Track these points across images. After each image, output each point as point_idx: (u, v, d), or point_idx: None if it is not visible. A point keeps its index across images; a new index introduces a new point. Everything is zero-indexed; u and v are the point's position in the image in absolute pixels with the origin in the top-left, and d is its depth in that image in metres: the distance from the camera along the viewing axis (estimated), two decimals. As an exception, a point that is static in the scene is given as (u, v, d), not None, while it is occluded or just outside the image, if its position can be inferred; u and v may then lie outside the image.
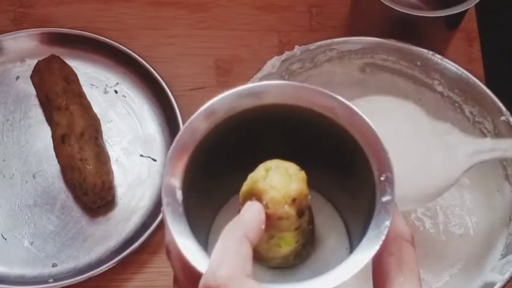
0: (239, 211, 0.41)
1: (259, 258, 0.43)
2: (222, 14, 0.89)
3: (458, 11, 0.73)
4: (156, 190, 0.78)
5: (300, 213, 0.41)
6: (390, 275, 0.40)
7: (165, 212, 0.40)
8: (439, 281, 0.71)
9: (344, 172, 0.45)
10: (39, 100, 0.81)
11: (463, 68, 0.73)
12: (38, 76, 0.80)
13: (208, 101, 0.42)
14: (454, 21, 0.79)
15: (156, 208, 0.76)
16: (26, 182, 0.78)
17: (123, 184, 0.78)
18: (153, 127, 0.81)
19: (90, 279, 0.72)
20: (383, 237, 0.39)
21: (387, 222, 0.39)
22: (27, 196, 0.77)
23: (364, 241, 0.39)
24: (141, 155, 0.80)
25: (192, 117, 0.42)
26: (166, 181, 0.40)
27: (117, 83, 0.84)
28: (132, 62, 0.83)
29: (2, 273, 0.73)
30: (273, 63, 0.71)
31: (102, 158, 0.76)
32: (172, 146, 0.41)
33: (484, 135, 0.73)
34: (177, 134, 0.79)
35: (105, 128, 0.80)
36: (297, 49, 0.73)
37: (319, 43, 0.74)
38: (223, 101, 0.43)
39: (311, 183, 0.41)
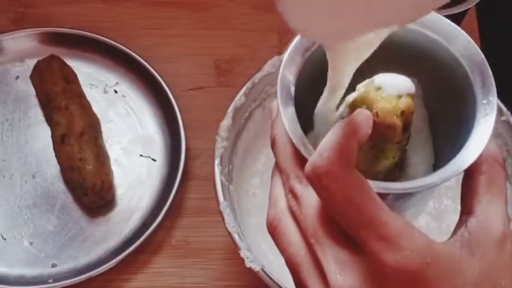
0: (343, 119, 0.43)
1: None
2: (222, 14, 0.89)
3: (459, 11, 0.73)
4: (155, 190, 0.78)
5: (405, 127, 0.43)
6: (479, 192, 0.42)
7: (279, 103, 0.43)
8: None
9: (448, 94, 0.47)
10: (39, 100, 0.81)
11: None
12: (38, 76, 0.80)
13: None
14: (454, 21, 0.78)
15: (156, 208, 0.76)
16: (26, 182, 0.78)
17: (122, 184, 0.78)
18: (153, 127, 0.81)
19: (89, 279, 0.72)
20: (479, 153, 0.41)
21: (485, 139, 0.42)
22: (26, 196, 0.77)
23: (460, 156, 0.42)
24: (141, 155, 0.80)
25: None
26: (283, 74, 0.44)
27: (117, 83, 0.84)
28: (131, 62, 0.83)
29: (1, 273, 0.73)
30: (273, 63, 0.71)
31: (101, 158, 0.76)
32: (294, 42, 0.44)
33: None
34: (176, 133, 0.79)
35: (104, 128, 0.80)
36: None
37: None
38: None
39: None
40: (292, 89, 0.44)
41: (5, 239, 0.75)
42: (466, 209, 0.43)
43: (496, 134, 0.72)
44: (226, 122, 0.68)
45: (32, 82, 0.80)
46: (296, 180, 0.43)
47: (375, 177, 0.45)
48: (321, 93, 0.46)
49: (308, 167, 0.39)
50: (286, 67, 0.44)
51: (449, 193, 0.74)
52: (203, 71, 0.85)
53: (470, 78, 0.45)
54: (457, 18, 0.78)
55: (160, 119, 0.82)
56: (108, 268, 0.72)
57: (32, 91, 0.81)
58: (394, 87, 0.43)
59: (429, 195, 0.51)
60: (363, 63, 0.44)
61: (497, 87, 0.71)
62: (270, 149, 0.47)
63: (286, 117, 0.43)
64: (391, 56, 0.47)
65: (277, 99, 0.44)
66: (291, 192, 0.43)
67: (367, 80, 0.44)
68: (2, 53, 0.84)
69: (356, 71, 0.44)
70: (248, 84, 0.70)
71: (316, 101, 0.47)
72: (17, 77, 0.84)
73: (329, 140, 0.40)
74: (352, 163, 0.39)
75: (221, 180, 0.66)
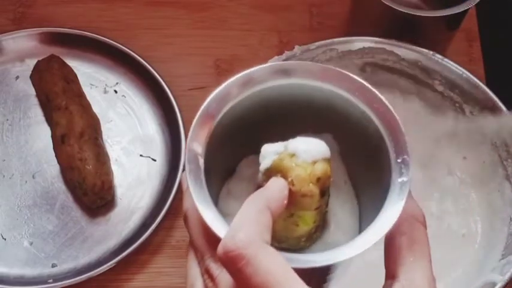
0: (258, 187, 0.42)
1: (271, 237, 0.44)
2: (222, 14, 0.89)
3: (459, 11, 0.73)
4: (155, 190, 0.78)
5: (322, 193, 0.42)
6: (401, 253, 0.41)
7: (187, 179, 0.41)
8: (440, 282, 0.71)
9: (363, 152, 0.46)
10: (39, 100, 0.81)
11: (464, 68, 0.73)
12: (38, 76, 0.79)
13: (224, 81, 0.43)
14: (454, 21, 0.78)
15: (156, 208, 0.76)
16: (26, 182, 0.78)
17: (122, 184, 0.78)
18: (153, 127, 0.81)
19: (89, 279, 0.72)
20: (397, 216, 0.40)
21: (402, 202, 0.40)
22: (26, 196, 0.77)
23: (379, 219, 0.40)
24: (141, 155, 0.80)
25: (222, 86, 0.44)
26: (190, 147, 0.42)
27: (117, 83, 0.84)
28: (131, 62, 0.83)
29: (1, 273, 0.73)
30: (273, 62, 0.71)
31: (101, 158, 0.76)
32: (199, 113, 0.43)
33: (484, 136, 0.73)
34: (176, 133, 0.79)
35: (104, 128, 0.80)
36: (297, 49, 0.73)
37: (319, 43, 0.74)
38: (254, 74, 0.44)
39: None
40: (201, 161, 0.42)
41: (5, 239, 0.75)
42: (390, 272, 0.42)
43: (496, 134, 0.72)
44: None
45: (32, 82, 0.80)
46: (211, 259, 0.41)
47: (297, 242, 0.44)
48: (230, 157, 0.46)
49: (220, 249, 0.37)
50: (193, 140, 0.43)
51: (449, 197, 0.74)
52: (203, 71, 0.85)
53: (382, 135, 0.43)
54: (456, 19, 0.78)
55: (160, 119, 0.81)
56: (108, 268, 0.72)
57: (32, 91, 0.81)
58: (308, 153, 0.41)
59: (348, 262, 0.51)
60: (281, 121, 0.45)
61: (497, 87, 0.72)
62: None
63: (196, 192, 0.41)
64: (306, 113, 0.46)
65: (184, 178, 0.42)
66: (207, 273, 0.41)
67: (278, 144, 0.43)
68: (2, 53, 0.84)
69: (273, 132, 0.44)
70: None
71: (226, 165, 0.46)
72: (17, 77, 0.84)
73: (241, 217, 0.38)
74: (266, 240, 0.38)
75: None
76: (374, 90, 0.44)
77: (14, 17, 0.88)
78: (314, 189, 0.41)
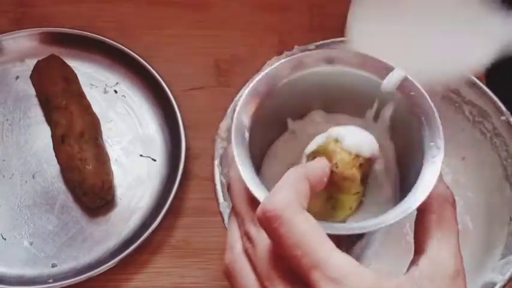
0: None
1: None
2: (222, 14, 0.89)
3: (459, 11, 0.73)
4: (155, 190, 0.78)
5: (363, 179, 0.45)
6: (430, 231, 0.43)
7: (234, 149, 0.44)
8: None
9: (401, 138, 0.49)
10: (39, 100, 0.81)
11: (463, 68, 0.73)
12: (38, 76, 0.80)
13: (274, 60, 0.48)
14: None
15: (156, 208, 0.76)
16: (26, 182, 0.78)
17: (122, 184, 0.78)
18: (153, 127, 0.81)
19: (89, 279, 0.72)
20: (428, 193, 0.43)
21: (433, 181, 0.43)
22: (26, 196, 0.77)
23: (411, 195, 0.43)
24: (141, 155, 0.80)
25: (273, 67, 0.47)
26: (238, 120, 0.45)
27: (117, 83, 0.84)
28: (131, 61, 0.83)
29: (1, 273, 0.73)
30: (272, 63, 0.71)
31: (101, 158, 0.76)
32: (249, 89, 0.46)
33: (484, 135, 0.73)
34: (176, 133, 0.80)
35: (104, 128, 0.80)
36: (297, 49, 0.73)
37: (319, 43, 0.74)
38: (304, 59, 0.48)
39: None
40: (247, 134, 0.45)
41: (4, 239, 0.75)
42: (418, 248, 0.44)
43: (496, 134, 0.72)
44: (226, 122, 0.68)
45: (32, 82, 0.80)
46: (251, 223, 0.43)
47: None
48: (269, 134, 0.49)
49: (259, 210, 0.40)
50: (241, 113, 0.46)
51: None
52: (203, 71, 0.85)
53: (418, 120, 0.46)
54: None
55: (160, 119, 0.81)
56: (108, 268, 0.72)
57: (32, 91, 0.81)
58: (353, 141, 0.44)
59: (385, 235, 0.53)
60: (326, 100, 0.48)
61: (497, 87, 0.72)
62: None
63: (241, 162, 0.44)
64: (348, 98, 0.49)
65: (231, 144, 0.45)
66: (246, 235, 0.43)
67: (325, 133, 0.45)
68: (2, 53, 0.84)
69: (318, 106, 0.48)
70: (246, 86, 0.70)
71: (265, 141, 0.49)
72: (17, 77, 0.84)
73: (281, 182, 0.41)
74: (302, 205, 0.40)
75: (221, 181, 0.66)
76: (411, 79, 0.47)
77: (14, 16, 0.88)
78: (356, 174, 0.44)
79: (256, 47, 0.86)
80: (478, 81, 0.72)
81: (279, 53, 0.73)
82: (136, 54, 0.83)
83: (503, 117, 0.70)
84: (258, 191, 0.43)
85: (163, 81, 0.82)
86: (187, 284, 0.74)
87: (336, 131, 0.45)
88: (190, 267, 0.75)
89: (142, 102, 0.83)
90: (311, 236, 0.39)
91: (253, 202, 0.43)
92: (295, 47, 0.73)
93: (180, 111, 0.80)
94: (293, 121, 0.50)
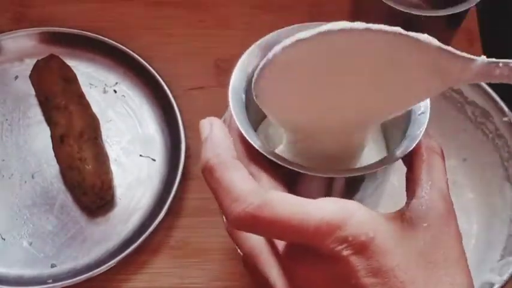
0: None
1: None
2: (222, 14, 0.89)
3: (459, 11, 0.73)
4: (155, 190, 0.78)
5: None
6: (421, 177, 0.44)
7: (232, 111, 0.45)
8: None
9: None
10: (38, 100, 0.81)
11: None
12: (37, 76, 0.79)
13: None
14: (455, 21, 0.78)
15: (156, 208, 0.76)
16: (25, 182, 0.77)
17: (122, 184, 0.78)
18: (153, 127, 0.81)
19: (89, 279, 0.71)
20: (418, 139, 0.45)
21: (421, 129, 0.45)
22: (26, 196, 0.77)
23: (401, 145, 0.45)
24: (141, 155, 0.80)
25: (272, 33, 0.49)
26: (234, 84, 0.47)
27: (117, 83, 0.84)
28: (131, 61, 0.83)
29: (0, 273, 0.73)
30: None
31: (101, 158, 0.75)
32: (245, 53, 0.49)
33: (486, 136, 0.73)
34: (176, 133, 0.79)
35: (104, 127, 0.80)
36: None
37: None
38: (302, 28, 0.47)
39: None
40: (243, 97, 0.46)
41: (4, 239, 0.75)
42: (409, 194, 0.45)
43: (498, 135, 0.72)
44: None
45: (31, 82, 0.80)
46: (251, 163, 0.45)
47: None
48: None
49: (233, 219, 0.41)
50: (237, 74, 0.48)
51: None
52: (203, 70, 0.85)
53: None
54: (457, 18, 0.78)
55: (160, 118, 0.81)
56: (107, 268, 0.72)
57: (31, 91, 0.81)
58: None
59: (382, 183, 0.53)
60: None
61: (499, 88, 0.72)
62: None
63: (239, 121, 0.45)
64: None
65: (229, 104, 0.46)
66: None
67: None
68: (1, 52, 0.84)
69: None
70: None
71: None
72: (16, 77, 0.83)
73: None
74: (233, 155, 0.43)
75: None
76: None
77: (13, 16, 0.88)
78: None
79: (257, 47, 0.86)
80: (481, 82, 0.72)
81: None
82: (136, 54, 0.83)
83: (505, 118, 0.70)
84: (253, 139, 0.44)
85: (163, 81, 0.82)
86: (186, 284, 0.74)
87: None
88: (189, 268, 0.75)
89: (142, 102, 0.83)
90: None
91: (252, 154, 0.44)
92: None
93: (179, 111, 0.80)
94: None
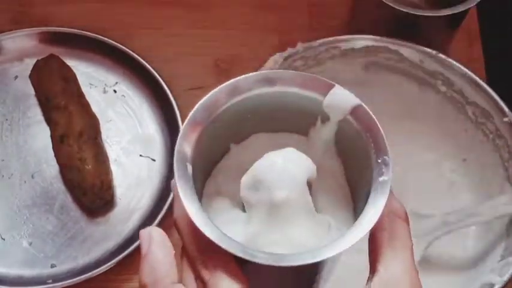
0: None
1: None
2: (221, 14, 0.89)
3: (460, 11, 0.73)
4: (155, 190, 0.78)
5: None
6: (382, 248, 0.42)
7: (177, 184, 0.41)
8: (438, 282, 0.71)
9: (348, 155, 0.48)
10: (38, 100, 0.81)
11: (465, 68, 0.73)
12: (37, 76, 0.79)
13: (216, 86, 0.45)
14: (455, 21, 0.78)
15: (156, 208, 0.76)
16: (25, 182, 0.77)
17: (122, 184, 0.78)
18: (153, 127, 0.81)
19: (89, 280, 0.71)
20: (379, 214, 0.41)
21: (383, 200, 0.41)
22: (25, 196, 0.77)
23: (362, 218, 0.41)
24: (141, 155, 0.80)
25: (208, 95, 0.45)
26: (178, 155, 0.43)
27: (116, 83, 0.83)
28: (131, 61, 0.83)
29: (0, 273, 0.73)
30: (276, 59, 0.71)
31: (101, 158, 0.75)
32: (186, 121, 0.44)
33: (487, 136, 0.73)
34: (176, 133, 0.79)
35: (104, 127, 0.80)
36: (300, 46, 0.73)
37: (322, 40, 0.74)
38: (241, 83, 0.45)
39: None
40: (190, 168, 0.43)
41: (3, 239, 0.75)
42: (372, 267, 0.43)
43: (498, 135, 0.72)
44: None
45: (31, 82, 0.80)
46: (201, 266, 0.41)
47: None
48: (214, 155, 0.47)
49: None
50: (181, 147, 0.43)
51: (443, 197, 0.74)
52: (203, 70, 0.85)
53: (362, 137, 0.45)
54: (457, 18, 0.78)
55: (159, 118, 0.81)
56: (107, 268, 0.72)
57: (31, 91, 0.81)
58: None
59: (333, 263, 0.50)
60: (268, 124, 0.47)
61: (499, 88, 0.72)
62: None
63: (185, 197, 0.41)
64: (291, 117, 0.48)
65: (174, 177, 0.43)
66: (199, 278, 0.42)
67: (264, 156, 0.44)
68: (1, 52, 0.84)
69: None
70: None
71: (209, 162, 0.47)
72: (16, 77, 0.83)
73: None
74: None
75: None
76: (350, 93, 0.45)
77: (13, 16, 0.87)
78: None
79: (256, 47, 0.86)
80: (481, 82, 0.72)
81: (280, 52, 0.73)
82: (136, 53, 0.83)
83: (505, 119, 0.70)
84: (206, 228, 0.40)
85: (163, 81, 0.82)
86: (187, 285, 0.74)
87: (272, 155, 0.43)
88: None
89: (141, 102, 0.83)
90: None
91: (203, 241, 0.40)
92: (298, 43, 0.73)
93: (179, 111, 0.80)
94: (236, 145, 0.48)
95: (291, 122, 0.47)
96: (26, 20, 0.87)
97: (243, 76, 0.45)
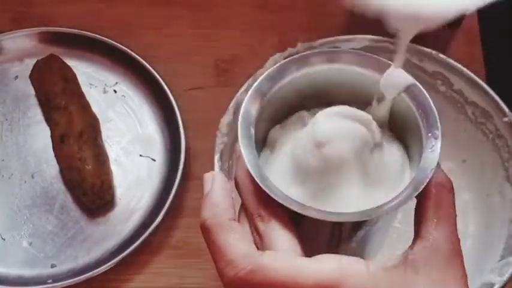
0: None
1: None
2: (221, 14, 0.89)
3: (460, 11, 0.73)
4: (155, 190, 0.78)
5: None
6: (426, 216, 0.44)
7: (240, 145, 0.45)
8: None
9: (400, 130, 0.51)
10: (38, 100, 0.81)
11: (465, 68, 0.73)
12: (37, 76, 0.79)
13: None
14: (455, 21, 0.78)
15: (156, 208, 0.76)
16: (25, 182, 0.77)
17: (122, 184, 0.78)
18: (153, 127, 0.81)
19: (89, 280, 0.71)
20: (426, 182, 0.44)
21: (431, 169, 0.44)
22: (26, 196, 0.77)
23: (411, 184, 0.44)
24: (141, 155, 0.80)
25: (277, 65, 0.49)
26: (244, 117, 0.46)
27: (116, 83, 0.83)
28: (131, 61, 0.83)
29: (0, 273, 0.73)
30: (276, 59, 0.71)
31: (101, 158, 0.75)
32: (253, 87, 0.48)
33: (487, 136, 0.73)
34: (176, 133, 0.79)
35: (104, 127, 0.80)
36: (300, 46, 0.73)
37: (322, 40, 0.74)
38: (304, 58, 0.49)
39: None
40: (252, 131, 0.46)
41: (4, 239, 0.75)
42: (416, 233, 0.45)
43: (498, 135, 0.71)
44: (227, 118, 0.68)
45: (31, 82, 0.80)
46: (258, 219, 0.44)
47: None
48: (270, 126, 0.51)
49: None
50: (248, 107, 0.47)
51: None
52: (203, 70, 0.85)
53: (415, 112, 0.48)
54: (457, 18, 0.78)
55: (160, 118, 0.81)
56: (107, 268, 0.72)
57: (31, 91, 0.81)
58: None
59: (387, 225, 0.54)
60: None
61: (499, 88, 0.72)
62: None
63: (248, 157, 0.45)
64: (348, 94, 0.50)
65: (238, 139, 0.46)
66: (256, 231, 0.45)
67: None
68: (1, 52, 0.84)
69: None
70: (250, 81, 0.70)
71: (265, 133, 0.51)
72: (16, 77, 0.83)
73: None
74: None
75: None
76: (406, 73, 0.48)
77: (13, 16, 0.87)
78: None
79: (256, 46, 0.86)
80: (481, 82, 0.72)
81: (281, 51, 0.73)
82: (136, 53, 0.83)
83: (505, 119, 0.70)
84: (264, 183, 0.44)
85: (163, 81, 0.81)
86: (187, 285, 0.74)
87: None
88: (190, 268, 0.74)
89: (141, 102, 0.83)
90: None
91: (261, 196, 0.44)
92: (298, 44, 0.73)
93: (179, 111, 0.80)
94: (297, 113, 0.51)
95: (348, 99, 0.49)
96: (26, 20, 0.87)
97: (307, 52, 0.49)
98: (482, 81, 0.72)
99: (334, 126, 0.46)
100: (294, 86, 0.49)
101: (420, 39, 0.74)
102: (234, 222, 0.44)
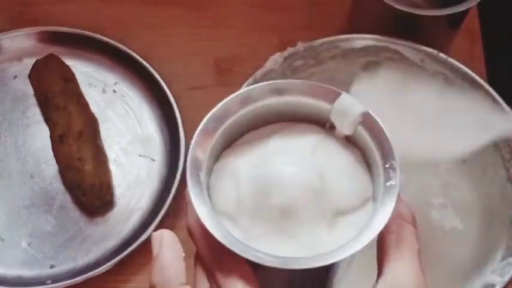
0: None
1: None
2: (221, 13, 0.89)
3: (460, 10, 0.73)
4: (155, 190, 0.77)
5: None
6: (389, 251, 0.43)
7: (190, 192, 0.43)
8: (438, 282, 0.70)
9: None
10: (37, 99, 0.81)
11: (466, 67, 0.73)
12: (36, 75, 0.79)
13: (225, 97, 0.46)
14: (456, 20, 0.78)
15: (155, 208, 0.76)
16: (24, 182, 0.77)
17: (121, 184, 0.78)
18: (152, 127, 0.81)
19: (88, 280, 0.71)
20: (387, 218, 0.42)
21: (391, 205, 0.42)
22: (24, 196, 0.76)
23: (372, 222, 0.42)
24: (140, 155, 0.80)
25: (220, 104, 0.46)
26: (192, 162, 0.44)
27: (116, 83, 0.83)
28: (131, 61, 0.83)
29: (-1, 274, 0.73)
30: (276, 59, 0.71)
31: (100, 158, 0.75)
32: (199, 129, 0.45)
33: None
34: (176, 133, 0.79)
35: (103, 127, 0.80)
36: (300, 45, 0.73)
37: (322, 40, 0.74)
38: (251, 92, 0.47)
39: None
40: (203, 176, 0.44)
41: (3, 240, 0.74)
42: (379, 271, 0.43)
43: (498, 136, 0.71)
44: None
45: (30, 81, 0.80)
46: (221, 275, 0.42)
47: None
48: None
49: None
50: (195, 152, 0.44)
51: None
52: (203, 70, 0.85)
53: (369, 143, 0.45)
54: (458, 18, 0.78)
55: (159, 118, 0.81)
56: (106, 269, 0.72)
57: (30, 90, 0.81)
58: None
59: (349, 262, 0.51)
60: None
61: (500, 87, 0.72)
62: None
63: (198, 204, 0.43)
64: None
65: (187, 186, 0.44)
66: (215, 283, 0.43)
67: None
68: (0, 52, 0.84)
69: None
70: (250, 81, 0.70)
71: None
72: (15, 77, 0.83)
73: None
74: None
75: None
76: (356, 101, 0.46)
77: (12, 16, 0.87)
78: None
79: (256, 46, 0.86)
80: (482, 81, 0.72)
81: (280, 51, 0.73)
82: (136, 53, 0.83)
83: (506, 118, 0.70)
84: (218, 233, 0.42)
85: (163, 81, 0.81)
86: (186, 285, 0.73)
87: None
88: (190, 268, 0.74)
89: (141, 102, 0.82)
90: None
91: (216, 245, 0.42)
92: (298, 43, 0.73)
93: (179, 111, 0.80)
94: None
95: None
96: (26, 19, 0.87)
97: (253, 86, 0.46)
98: (483, 80, 0.72)
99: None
100: (242, 121, 0.47)
101: (421, 38, 0.75)
102: (186, 286, 0.42)
